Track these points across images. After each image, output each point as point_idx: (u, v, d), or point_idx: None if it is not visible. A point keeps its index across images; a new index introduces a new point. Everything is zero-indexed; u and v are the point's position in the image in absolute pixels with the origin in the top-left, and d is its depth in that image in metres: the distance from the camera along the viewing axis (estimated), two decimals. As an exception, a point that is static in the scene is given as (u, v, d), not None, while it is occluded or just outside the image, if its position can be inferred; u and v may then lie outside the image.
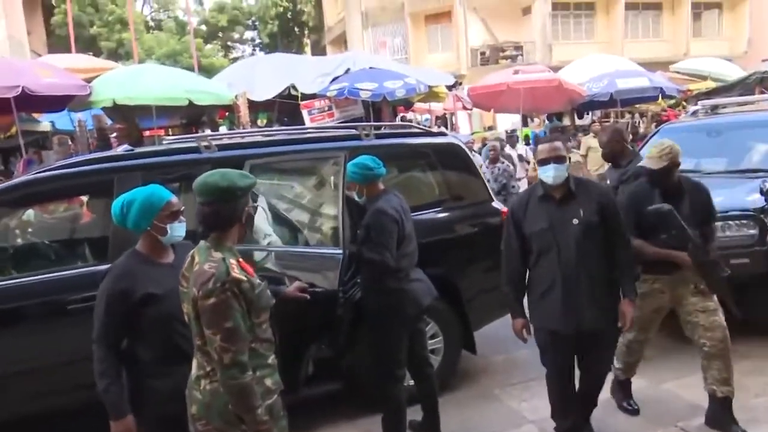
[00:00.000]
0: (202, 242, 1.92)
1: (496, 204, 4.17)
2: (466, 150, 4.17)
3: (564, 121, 14.75)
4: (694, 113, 6.41)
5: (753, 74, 10.10)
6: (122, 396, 2.12)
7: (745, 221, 4.02)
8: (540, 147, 2.88)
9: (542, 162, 2.81)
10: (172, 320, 2.06)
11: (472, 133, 14.98)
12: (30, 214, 4.41)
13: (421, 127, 4.45)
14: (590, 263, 2.76)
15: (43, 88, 6.75)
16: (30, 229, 4.02)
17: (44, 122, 9.73)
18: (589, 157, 8.82)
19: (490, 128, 17.16)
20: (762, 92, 9.16)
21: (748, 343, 3.97)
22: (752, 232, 3.98)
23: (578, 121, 14.20)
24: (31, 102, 7.05)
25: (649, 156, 3.15)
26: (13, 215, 3.71)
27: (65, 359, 2.88)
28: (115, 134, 9.25)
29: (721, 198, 4.31)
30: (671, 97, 12.01)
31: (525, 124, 15.71)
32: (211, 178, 1.91)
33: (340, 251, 2.71)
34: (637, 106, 14.41)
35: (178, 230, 2.17)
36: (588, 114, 15.41)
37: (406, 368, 3.18)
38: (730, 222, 4.07)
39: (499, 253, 3.89)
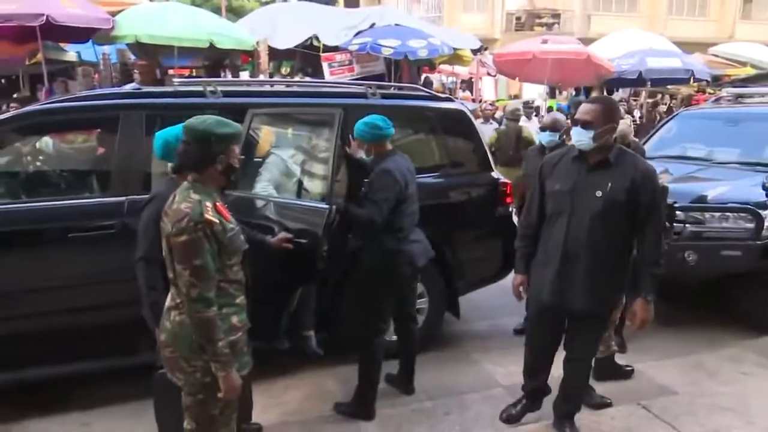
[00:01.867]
0: (184, 183, 2.02)
1: (496, 174, 4.19)
2: (471, 117, 4.17)
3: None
4: (718, 100, 6.27)
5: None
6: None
7: (743, 214, 4.01)
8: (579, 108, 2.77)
9: (573, 123, 2.70)
10: None
11: (496, 101, 14.74)
12: (48, 142, 4.57)
13: (427, 90, 4.43)
14: (600, 244, 2.60)
15: (67, 18, 6.82)
16: (41, 157, 4.17)
17: (70, 52, 9.83)
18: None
19: (516, 97, 16.84)
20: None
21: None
22: (749, 225, 3.97)
23: (607, 98, 13.86)
24: (55, 31, 7.14)
25: None
26: (25, 142, 3.85)
27: (60, 283, 3.07)
28: (137, 70, 9.34)
29: (725, 188, 4.32)
30: (702, 81, 11.64)
31: (553, 95, 15.38)
32: (194, 120, 2.02)
33: (327, 206, 2.79)
34: (670, 87, 14.00)
35: None
36: (617, 91, 15.01)
37: (392, 322, 3.31)
38: (728, 213, 4.06)
39: (491, 223, 3.98)
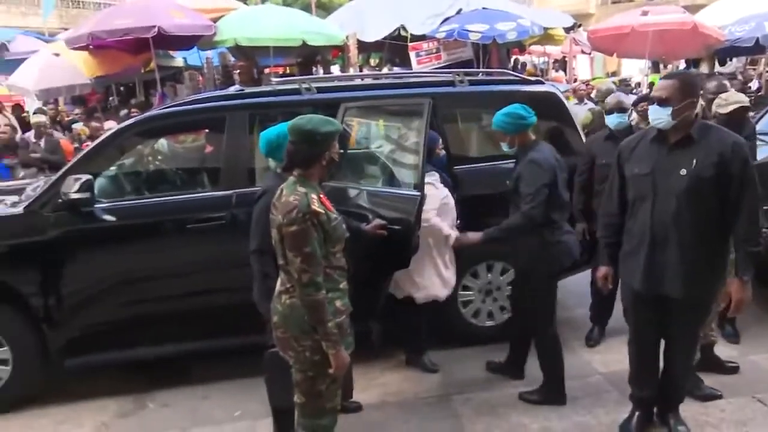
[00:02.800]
0: (290, 178, 2.19)
1: (591, 157, 4.05)
2: (563, 99, 4.07)
3: (701, 68, 13.28)
4: None
5: None
6: None
7: None
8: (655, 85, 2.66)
9: (650, 101, 2.59)
10: None
11: (592, 79, 14.04)
12: (163, 143, 5.05)
13: (516, 74, 4.36)
14: (689, 224, 2.45)
15: (175, 29, 7.46)
16: (159, 157, 4.61)
17: (178, 58, 10.67)
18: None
19: (614, 74, 15.95)
20: None
21: None
22: None
23: (719, 69, 12.73)
24: (165, 40, 7.83)
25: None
26: (146, 144, 4.28)
27: (179, 271, 3.40)
28: (237, 71, 9.94)
29: None
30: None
31: (656, 70, 14.36)
32: (300, 121, 2.17)
33: (418, 193, 2.88)
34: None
35: None
36: (731, 61, 13.74)
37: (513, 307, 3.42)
38: None
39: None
